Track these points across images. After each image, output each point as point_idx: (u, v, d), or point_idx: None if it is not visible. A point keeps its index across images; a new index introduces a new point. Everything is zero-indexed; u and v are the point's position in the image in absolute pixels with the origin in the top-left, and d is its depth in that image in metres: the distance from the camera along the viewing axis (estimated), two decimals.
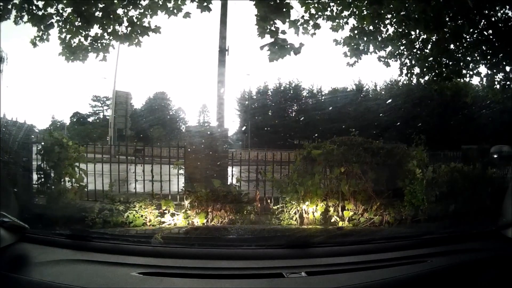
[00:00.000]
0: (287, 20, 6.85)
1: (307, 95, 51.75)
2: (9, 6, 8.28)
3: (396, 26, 10.56)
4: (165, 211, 5.67)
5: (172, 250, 2.45)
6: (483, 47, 10.71)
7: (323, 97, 51.19)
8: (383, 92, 47.67)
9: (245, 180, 7.48)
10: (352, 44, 10.84)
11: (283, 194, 6.24)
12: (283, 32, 6.82)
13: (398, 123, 37.70)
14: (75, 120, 58.22)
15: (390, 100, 42.15)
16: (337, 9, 10.08)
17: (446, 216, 5.90)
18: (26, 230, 2.35)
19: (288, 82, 51.77)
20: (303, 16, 7.92)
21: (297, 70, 71.26)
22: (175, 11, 8.79)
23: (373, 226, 5.71)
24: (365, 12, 9.83)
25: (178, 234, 3.19)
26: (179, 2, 8.80)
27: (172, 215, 5.63)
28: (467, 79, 12.09)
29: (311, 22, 8.08)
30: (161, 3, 8.80)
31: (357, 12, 10.04)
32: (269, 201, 6.76)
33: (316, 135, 39.78)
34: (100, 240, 2.47)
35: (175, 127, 56.56)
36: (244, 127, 47.31)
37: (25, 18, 8.53)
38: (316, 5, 8.61)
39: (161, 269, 2.16)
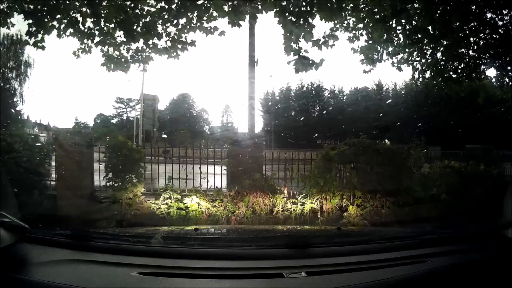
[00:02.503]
0: (311, 39, 6.93)
1: (329, 95, 50.26)
2: (55, 23, 8.06)
3: (405, 37, 10.11)
4: (216, 198, 6.60)
5: (171, 250, 2.24)
6: (491, 50, 10.16)
7: (344, 97, 49.68)
8: (402, 92, 45.93)
9: (276, 177, 7.63)
10: (367, 52, 10.43)
11: (306, 186, 6.99)
12: (306, 51, 6.97)
13: (417, 123, 36.85)
14: (99, 121, 56.58)
15: (408, 100, 41.22)
16: (353, 22, 9.83)
17: (437, 202, 6.34)
18: (26, 230, 2.15)
19: (310, 83, 49.74)
20: (324, 35, 7.52)
21: (318, 71, 67.95)
22: (212, 30, 8.28)
23: (377, 212, 6.42)
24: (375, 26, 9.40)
25: (177, 234, 2.95)
26: (213, 24, 8.33)
27: (221, 201, 6.54)
28: (477, 82, 11.38)
29: (331, 39, 7.67)
30: (198, 23, 8.30)
31: (370, 25, 9.67)
32: (295, 192, 7.19)
33: (334, 134, 41.24)
34: (100, 240, 2.26)
35: (199, 127, 55.22)
36: (268, 128, 45.80)
37: (68, 32, 8.23)
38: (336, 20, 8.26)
39: (161, 269, 1.97)
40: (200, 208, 6.38)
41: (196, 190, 6.89)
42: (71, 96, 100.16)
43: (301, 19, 6.80)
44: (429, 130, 34.28)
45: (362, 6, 8.83)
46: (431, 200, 6.39)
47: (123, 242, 2.29)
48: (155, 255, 2.13)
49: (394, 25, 9.67)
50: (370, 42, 10.10)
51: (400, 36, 10.12)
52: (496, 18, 9.66)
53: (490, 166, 7.71)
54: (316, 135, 43.93)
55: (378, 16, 9.18)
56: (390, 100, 45.70)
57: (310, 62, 6.79)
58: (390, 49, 10.67)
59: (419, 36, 9.91)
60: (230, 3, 7.00)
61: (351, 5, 7.92)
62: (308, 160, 8.33)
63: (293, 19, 6.81)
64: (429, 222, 5.83)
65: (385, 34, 9.81)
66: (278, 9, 6.82)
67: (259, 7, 7.00)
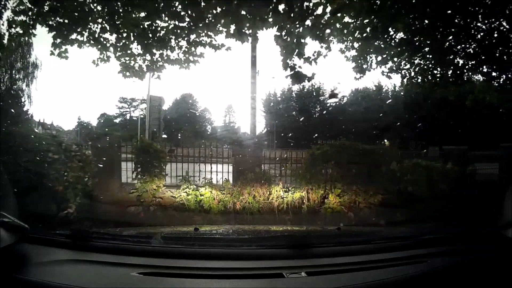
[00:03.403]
0: (303, 57, 7.12)
1: (328, 96, 48.06)
2: (78, 36, 8.03)
3: (391, 48, 10.11)
4: (224, 188, 7.02)
5: (172, 250, 2.01)
6: (477, 58, 10.03)
7: (344, 98, 47.70)
8: (402, 94, 43.75)
9: (273, 172, 8.22)
10: (358, 61, 10.58)
11: (297, 179, 7.33)
12: (300, 67, 7.19)
13: (415, 123, 36.30)
14: (102, 121, 53.85)
15: (406, 102, 39.61)
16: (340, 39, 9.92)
17: (404, 192, 6.91)
18: (26, 230, 1.89)
19: (310, 84, 47.25)
20: (313, 53, 7.56)
21: (319, 72, 65.60)
22: (219, 46, 8.46)
23: (352, 201, 6.88)
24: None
25: (178, 234, 2.71)
26: (220, 42, 8.51)
27: (228, 190, 6.96)
28: (467, 86, 11.23)
29: (320, 55, 7.55)
30: (208, 39, 8.39)
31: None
32: (288, 184, 7.51)
33: (334, 134, 38.29)
34: (100, 240, 2.04)
35: (202, 127, 52.86)
36: (269, 128, 44.31)
37: (88, 44, 8.21)
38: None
39: (161, 269, 1.78)
40: (212, 195, 6.80)
41: (209, 182, 7.28)
42: (74, 95, 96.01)
43: (295, 40, 7.04)
44: (427, 131, 34.42)
45: (345, 29, 9.23)
46: (398, 191, 6.95)
47: (123, 242, 2.08)
48: (155, 255, 1.92)
49: (376, 42, 9.80)
50: (357, 54, 10.35)
51: (388, 46, 10.01)
52: (484, 26, 9.48)
53: (463, 165, 8.08)
54: (316, 135, 41.80)
55: (359, 36, 9.52)
56: (389, 101, 44.68)
57: (303, 76, 7.12)
58: (379, 58, 10.48)
59: (404, 47, 9.91)
60: (234, 26, 7.09)
61: (337, 27, 8.28)
62: (302, 158, 8.44)
63: (288, 39, 7.04)
64: (396, 208, 6.35)
65: (368, 49, 10.09)
66: (276, 33, 7.03)
67: (259, 29, 7.27)
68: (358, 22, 9.06)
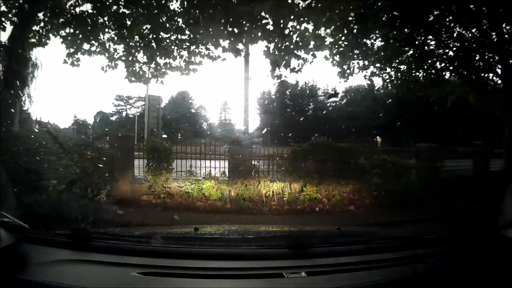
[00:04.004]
0: (289, 68, 7.72)
1: (322, 94, 45.60)
2: (90, 47, 8.27)
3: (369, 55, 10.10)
4: (221, 180, 7.26)
5: (172, 250, 1.79)
6: (456, 62, 9.79)
7: (337, 95, 44.13)
8: (394, 91, 40.63)
9: (262, 168, 8.00)
10: (343, 66, 10.45)
11: (282, 172, 7.55)
12: (285, 76, 7.84)
13: (406, 122, 34.50)
14: (98, 119, 49.99)
15: (398, 101, 36.08)
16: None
17: (370, 183, 6.86)
18: (26, 230, 1.69)
19: (304, 83, 45.25)
20: (299, 64, 8.26)
21: (314, 72, 64.95)
22: (216, 57, 8.66)
23: (327, 190, 6.84)
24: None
25: (177, 234, 2.48)
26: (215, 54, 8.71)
27: (225, 180, 7.22)
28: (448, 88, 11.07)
29: (310, 59, 8.09)
30: (206, 52, 8.65)
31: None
32: (275, 176, 7.69)
33: (326, 130, 37.12)
34: (100, 240, 1.82)
35: (198, 125, 49.43)
36: (263, 126, 42.17)
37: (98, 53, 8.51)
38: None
39: (161, 269, 1.57)
40: (211, 184, 6.95)
41: (209, 175, 7.54)
42: (69, 93, 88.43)
43: (282, 53, 7.52)
44: (419, 130, 33.05)
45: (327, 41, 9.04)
46: (366, 182, 6.97)
47: (123, 242, 1.85)
48: (155, 255, 1.71)
49: (357, 51, 9.89)
50: (339, 60, 10.32)
51: (368, 53, 10.02)
52: (465, 32, 9.34)
53: (431, 161, 8.12)
54: (309, 131, 39.39)
55: (341, 47, 9.69)
56: (388, 101, 42.50)
57: (288, 84, 7.51)
58: (361, 64, 10.42)
59: (382, 55, 9.88)
60: (228, 39, 7.44)
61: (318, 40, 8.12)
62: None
63: (276, 52, 7.52)
64: (364, 195, 6.69)
65: (350, 53, 9.92)
66: (265, 48, 7.56)
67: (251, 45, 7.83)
68: (338, 36, 9.27)
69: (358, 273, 1.57)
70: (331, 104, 43.99)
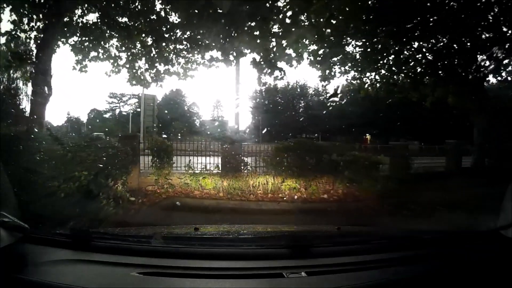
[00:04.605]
0: (273, 76, 7.92)
1: (313, 93, 41.01)
2: (96, 54, 8.19)
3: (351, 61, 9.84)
4: (216, 173, 7.27)
5: (172, 250, 1.59)
6: (433, 66, 9.47)
7: (327, 95, 40.66)
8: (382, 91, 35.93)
9: (250, 163, 7.96)
10: (326, 71, 9.88)
11: (268, 166, 7.51)
12: (270, 84, 8.46)
13: (392, 121, 29.17)
14: (92, 116, 44.69)
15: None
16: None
17: (342, 176, 6.78)
18: (26, 230, 1.51)
19: (295, 82, 40.88)
20: (281, 71, 8.21)
21: (305, 71, 61.60)
22: (210, 65, 8.49)
23: (305, 181, 6.71)
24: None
25: (178, 234, 2.24)
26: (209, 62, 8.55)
27: (217, 173, 7.27)
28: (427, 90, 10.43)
29: (295, 64, 8.19)
30: (201, 60, 8.61)
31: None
32: (261, 170, 7.66)
33: (316, 129, 33.88)
34: (100, 240, 1.62)
35: (191, 122, 44.71)
36: (255, 122, 38.34)
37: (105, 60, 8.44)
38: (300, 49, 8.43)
39: (161, 269, 1.40)
40: (207, 177, 6.98)
41: (204, 169, 7.52)
42: (60, 90, 79.50)
43: (265, 65, 7.78)
44: (407, 128, 29.43)
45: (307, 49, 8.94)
46: (339, 175, 6.93)
47: (123, 242, 1.67)
48: (155, 255, 1.52)
49: (335, 58, 9.60)
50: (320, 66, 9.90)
51: (347, 60, 9.79)
52: (440, 39, 9.07)
53: (402, 158, 8.16)
54: (300, 129, 36.30)
55: (313, 59, 9.30)
56: (367, 100, 38.14)
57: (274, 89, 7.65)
58: (342, 69, 10.00)
59: (359, 62, 9.60)
60: (221, 51, 7.79)
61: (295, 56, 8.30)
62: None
63: (263, 62, 7.76)
64: (337, 185, 6.71)
65: (331, 58, 9.60)
66: (251, 60, 7.87)
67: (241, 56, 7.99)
68: (317, 47, 8.99)
69: (358, 273, 1.41)
70: (319, 102, 38.38)
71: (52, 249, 1.53)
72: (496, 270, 1.49)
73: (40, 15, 6.98)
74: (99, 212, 3.64)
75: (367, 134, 29.94)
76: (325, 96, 35.34)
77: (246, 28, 7.25)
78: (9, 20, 6.93)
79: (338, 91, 11.84)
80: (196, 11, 7.06)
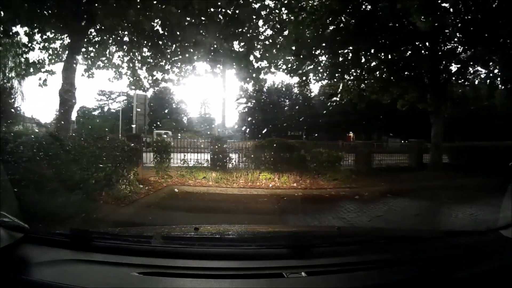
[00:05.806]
0: (252, 85, 8.72)
1: (298, 92, 36.77)
2: (101, 63, 8.10)
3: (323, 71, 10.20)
4: (207, 166, 7.77)
5: (172, 250, 1.34)
6: (400, 73, 9.58)
7: (311, 94, 36.31)
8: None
9: (235, 159, 8.44)
10: (302, 78, 10.28)
11: (250, 162, 7.91)
12: (251, 91, 9.73)
13: (375, 119, 27.13)
14: (81, 113, 37.97)
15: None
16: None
17: (310, 169, 7.16)
18: (26, 230, 1.31)
19: (280, 81, 37.72)
20: (262, 81, 8.63)
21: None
22: (200, 74, 8.79)
23: (282, 174, 6.98)
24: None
25: (177, 234, 1.95)
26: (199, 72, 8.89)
27: (207, 166, 7.77)
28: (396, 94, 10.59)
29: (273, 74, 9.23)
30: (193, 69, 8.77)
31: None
32: (244, 164, 8.11)
33: (301, 127, 32.20)
34: (100, 240, 1.38)
35: (180, 120, 40.29)
36: (242, 120, 35.99)
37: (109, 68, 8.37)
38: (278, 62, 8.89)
39: (161, 269, 1.18)
40: (199, 169, 7.47)
41: (198, 163, 7.92)
42: (49, 88, 64.76)
43: (248, 74, 7.94)
44: (390, 126, 28.06)
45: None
46: (307, 168, 7.31)
47: (123, 242, 1.42)
48: (155, 255, 1.29)
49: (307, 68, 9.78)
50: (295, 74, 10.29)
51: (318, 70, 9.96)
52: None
53: (364, 154, 8.70)
54: (285, 127, 33.62)
55: (287, 70, 9.65)
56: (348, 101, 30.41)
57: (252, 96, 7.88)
58: (316, 77, 10.26)
59: (328, 71, 9.70)
60: (210, 60, 7.91)
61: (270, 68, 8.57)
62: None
63: (245, 74, 7.87)
64: (305, 176, 6.94)
65: (300, 76, 9.97)
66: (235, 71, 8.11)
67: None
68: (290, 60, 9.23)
69: (358, 273, 1.22)
70: (308, 102, 35.86)
71: (52, 249, 1.30)
72: (496, 270, 1.29)
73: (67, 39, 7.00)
74: (119, 193, 4.47)
75: (350, 132, 28.15)
76: (309, 96, 33.44)
77: (231, 50, 7.60)
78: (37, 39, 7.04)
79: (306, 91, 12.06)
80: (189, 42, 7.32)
